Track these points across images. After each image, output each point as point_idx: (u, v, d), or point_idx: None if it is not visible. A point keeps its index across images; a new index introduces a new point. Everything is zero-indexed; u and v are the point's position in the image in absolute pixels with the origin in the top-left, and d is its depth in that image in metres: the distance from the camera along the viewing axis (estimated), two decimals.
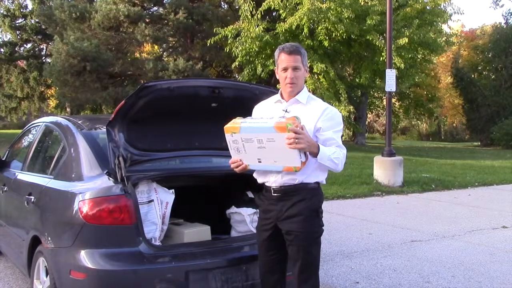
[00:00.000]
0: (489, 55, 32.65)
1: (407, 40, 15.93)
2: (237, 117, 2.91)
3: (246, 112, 3.17)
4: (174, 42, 22.31)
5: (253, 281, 3.27)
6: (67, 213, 3.22)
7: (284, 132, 2.61)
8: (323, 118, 2.83)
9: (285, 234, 2.88)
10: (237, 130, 2.80)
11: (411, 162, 15.30)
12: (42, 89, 28.39)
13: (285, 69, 2.87)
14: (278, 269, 3.00)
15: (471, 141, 36.60)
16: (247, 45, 16.57)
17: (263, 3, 16.56)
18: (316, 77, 18.17)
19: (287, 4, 16.74)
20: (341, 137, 2.91)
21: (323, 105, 2.91)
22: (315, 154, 2.69)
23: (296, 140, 2.58)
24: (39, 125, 4.64)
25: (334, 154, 2.75)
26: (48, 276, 3.34)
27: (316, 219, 2.88)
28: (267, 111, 3.00)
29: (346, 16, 15.83)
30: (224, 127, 2.86)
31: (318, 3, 15.54)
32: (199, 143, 3.74)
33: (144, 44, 21.68)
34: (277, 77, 2.97)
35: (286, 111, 2.89)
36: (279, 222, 2.89)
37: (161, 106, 3.32)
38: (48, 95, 29.84)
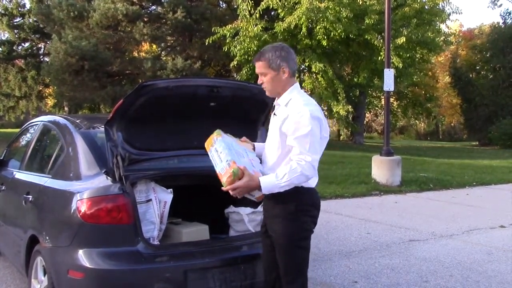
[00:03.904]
0: (487, 55, 32.68)
1: (405, 40, 15.95)
2: (215, 131, 2.98)
3: (244, 111, 3.18)
4: (172, 41, 22.30)
5: (252, 280, 3.27)
6: (65, 212, 3.21)
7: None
8: (285, 124, 2.79)
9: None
10: (207, 148, 2.96)
11: (409, 161, 15.30)
12: (40, 88, 28.37)
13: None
14: (276, 266, 2.99)
15: (469, 141, 36.63)
16: (246, 44, 16.57)
17: (262, 2, 16.57)
18: (315, 76, 18.21)
19: (286, 3, 16.74)
20: (314, 140, 2.77)
21: (292, 108, 2.81)
22: (260, 189, 2.74)
23: (235, 193, 2.73)
24: (37, 124, 4.63)
25: (283, 178, 2.68)
26: (46, 275, 3.34)
27: (296, 222, 2.82)
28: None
29: (345, 16, 15.85)
30: (206, 143, 2.98)
31: (317, 2, 15.55)
32: (197, 142, 3.71)
33: (143, 43, 21.67)
34: None
35: (274, 114, 2.95)
36: (266, 221, 2.96)
37: (160, 105, 3.32)
38: (46, 94, 29.81)
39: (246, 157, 2.91)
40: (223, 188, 2.75)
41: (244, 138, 3.09)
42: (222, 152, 2.83)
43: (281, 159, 2.85)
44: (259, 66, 2.91)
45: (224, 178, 2.75)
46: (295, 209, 2.81)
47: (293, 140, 2.75)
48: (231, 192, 2.73)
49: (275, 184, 2.71)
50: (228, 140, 2.94)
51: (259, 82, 2.96)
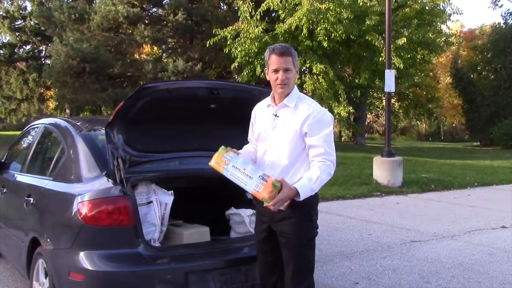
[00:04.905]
0: (488, 55, 32.65)
1: (405, 40, 15.95)
2: (220, 148, 2.90)
3: (245, 113, 3.17)
4: (173, 43, 22.31)
5: (253, 282, 3.27)
6: (66, 214, 3.22)
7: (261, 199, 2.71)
8: (308, 123, 2.80)
9: (278, 236, 2.90)
10: (220, 170, 2.85)
11: (410, 162, 15.29)
12: (42, 90, 28.35)
13: (276, 71, 2.85)
14: (277, 269, 3.00)
15: (471, 141, 36.59)
16: (246, 46, 16.57)
17: (262, 4, 16.57)
18: (316, 77, 18.18)
19: (286, 5, 16.74)
20: (333, 140, 2.85)
21: (309, 108, 2.84)
22: (298, 197, 2.70)
23: (276, 206, 2.67)
24: (38, 127, 4.64)
25: (316, 181, 2.72)
26: (47, 277, 3.35)
27: (309, 222, 2.88)
28: (261, 115, 3.03)
29: (345, 17, 15.84)
30: (209, 163, 2.90)
31: (317, 3, 15.56)
32: (198, 144, 3.74)
33: (144, 45, 21.67)
34: (267, 78, 2.95)
35: (276, 116, 2.91)
36: (272, 224, 2.91)
37: (160, 107, 3.33)
38: (48, 97, 29.81)
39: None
40: (266, 205, 2.67)
41: (234, 150, 2.99)
42: (246, 168, 2.75)
43: (296, 160, 2.84)
44: (287, 61, 2.83)
45: (264, 194, 2.66)
46: (308, 208, 2.83)
47: (317, 139, 2.77)
48: (272, 207, 2.67)
49: (311, 188, 2.71)
50: (237, 155, 2.88)
51: (282, 77, 2.82)
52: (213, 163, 2.88)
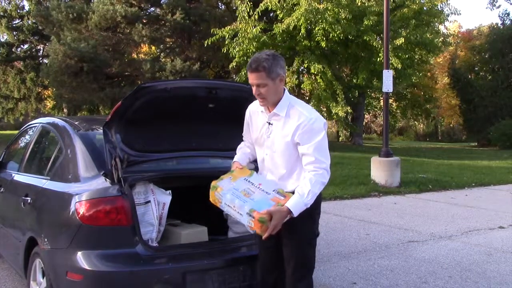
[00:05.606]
0: (486, 56, 32.70)
1: (403, 40, 15.97)
2: (212, 184, 2.89)
3: (243, 112, 3.17)
4: (171, 43, 22.31)
5: (250, 282, 3.27)
6: (63, 214, 3.21)
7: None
8: (300, 132, 2.78)
9: (280, 234, 2.89)
10: (219, 207, 2.88)
11: (408, 162, 15.31)
12: (39, 90, 28.37)
13: (252, 85, 2.85)
14: (276, 268, 3.01)
15: (468, 142, 36.63)
16: (245, 46, 16.56)
17: (260, 4, 16.57)
18: (314, 77, 18.20)
19: (284, 5, 16.76)
20: (326, 146, 2.83)
21: (300, 117, 2.81)
22: (292, 215, 2.71)
23: (275, 231, 2.69)
24: (36, 126, 4.63)
25: (308, 195, 2.71)
26: (45, 277, 3.34)
27: (310, 222, 2.90)
28: (256, 120, 3.02)
29: (343, 17, 15.86)
30: (210, 199, 2.91)
31: (315, 3, 15.57)
32: (196, 144, 3.74)
33: (141, 45, 21.67)
34: None
35: (270, 123, 2.90)
36: None
37: (158, 107, 3.32)
38: (45, 96, 29.83)
39: (255, 188, 2.84)
40: (264, 237, 2.70)
41: (235, 164, 3.03)
42: (236, 205, 2.75)
43: (294, 167, 2.86)
44: (258, 77, 2.77)
45: (257, 230, 2.70)
46: (310, 208, 2.83)
47: (307, 148, 2.76)
48: (272, 234, 2.70)
49: (304, 203, 2.72)
50: (228, 185, 2.85)
51: (255, 93, 2.82)
52: (211, 200, 2.91)
